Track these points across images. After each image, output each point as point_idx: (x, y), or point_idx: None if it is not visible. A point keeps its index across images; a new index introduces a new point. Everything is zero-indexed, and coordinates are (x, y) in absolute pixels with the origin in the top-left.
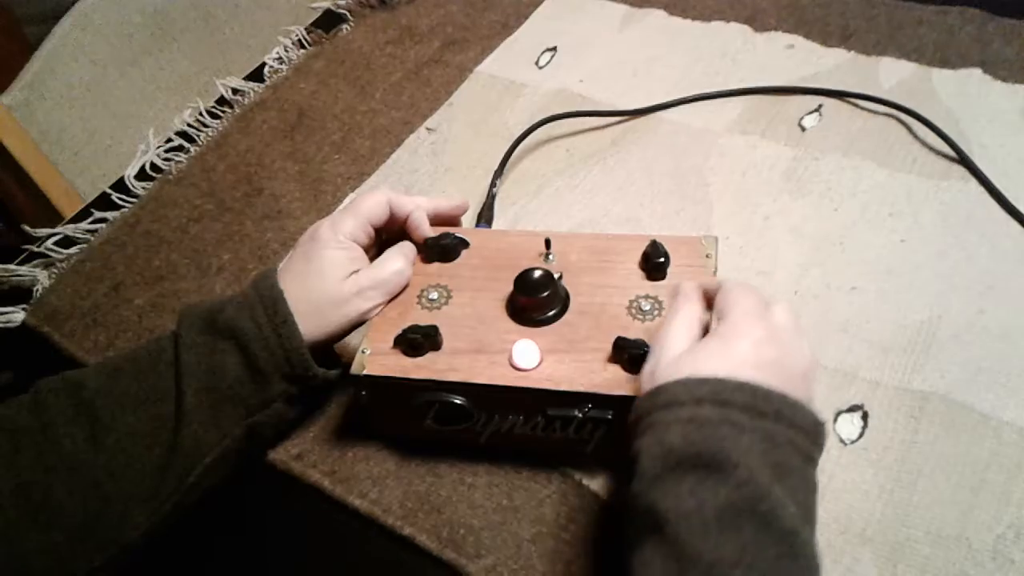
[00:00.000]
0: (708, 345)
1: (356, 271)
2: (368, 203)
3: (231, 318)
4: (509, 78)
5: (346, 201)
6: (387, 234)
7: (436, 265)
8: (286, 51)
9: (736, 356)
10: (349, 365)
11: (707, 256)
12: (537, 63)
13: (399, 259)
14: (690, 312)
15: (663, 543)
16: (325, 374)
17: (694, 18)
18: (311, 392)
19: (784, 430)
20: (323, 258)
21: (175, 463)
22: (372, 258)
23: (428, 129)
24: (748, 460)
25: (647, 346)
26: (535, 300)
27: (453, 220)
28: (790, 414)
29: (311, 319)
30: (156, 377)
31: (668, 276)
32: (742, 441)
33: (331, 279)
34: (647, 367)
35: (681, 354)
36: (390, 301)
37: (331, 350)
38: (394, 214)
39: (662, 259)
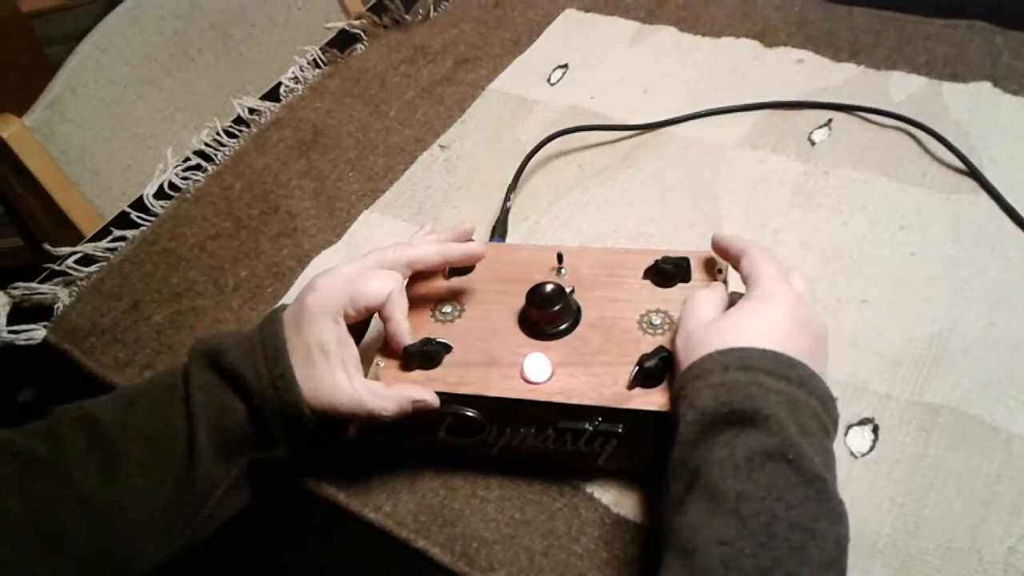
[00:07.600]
0: (745, 309)
1: (348, 359)
2: (369, 292)
3: (233, 363)
4: (521, 95)
5: (360, 219)
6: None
7: (450, 279)
8: (301, 71)
9: (772, 318)
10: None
11: (719, 271)
12: (549, 80)
13: (391, 404)
14: (717, 289)
15: (697, 490)
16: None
17: (704, 34)
18: (315, 444)
19: (805, 396)
20: (311, 340)
21: (188, 499)
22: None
23: (441, 146)
24: (777, 412)
25: (666, 350)
26: (547, 314)
27: (466, 243)
28: (811, 382)
29: (303, 385)
30: (168, 413)
31: (678, 289)
32: (769, 398)
33: (319, 365)
34: (679, 338)
35: (714, 320)
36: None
37: None
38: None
39: (671, 267)
